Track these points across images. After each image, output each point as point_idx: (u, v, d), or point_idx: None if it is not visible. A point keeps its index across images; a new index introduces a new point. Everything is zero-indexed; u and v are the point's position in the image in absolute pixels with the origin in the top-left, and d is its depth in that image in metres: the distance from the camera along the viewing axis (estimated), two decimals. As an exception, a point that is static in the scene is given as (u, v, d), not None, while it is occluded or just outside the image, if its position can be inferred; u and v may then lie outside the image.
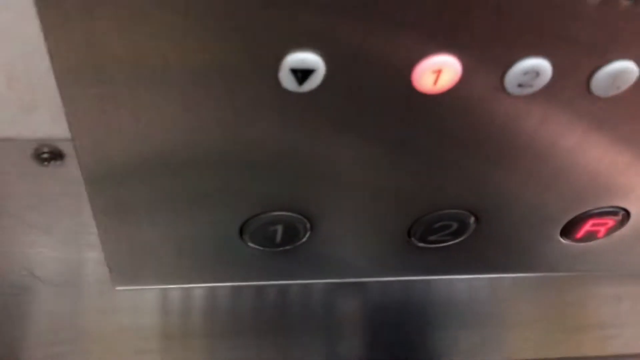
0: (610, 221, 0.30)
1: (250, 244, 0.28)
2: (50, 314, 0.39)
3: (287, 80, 0.20)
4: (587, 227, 0.30)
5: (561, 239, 0.31)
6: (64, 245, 0.32)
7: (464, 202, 0.27)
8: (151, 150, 0.23)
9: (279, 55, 0.19)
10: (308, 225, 0.28)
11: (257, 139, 0.22)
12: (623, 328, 0.43)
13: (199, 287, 0.34)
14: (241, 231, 0.27)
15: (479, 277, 0.33)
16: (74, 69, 0.19)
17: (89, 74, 0.19)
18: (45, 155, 0.27)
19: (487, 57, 0.20)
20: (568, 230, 0.30)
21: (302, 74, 0.20)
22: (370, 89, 0.21)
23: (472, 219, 0.28)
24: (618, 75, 0.21)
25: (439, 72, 0.20)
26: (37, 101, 0.24)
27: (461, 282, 0.36)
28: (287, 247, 0.29)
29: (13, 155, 0.26)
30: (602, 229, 0.31)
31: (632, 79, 0.22)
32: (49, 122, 0.25)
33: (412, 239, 0.29)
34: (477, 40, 0.20)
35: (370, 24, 0.19)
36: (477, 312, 0.40)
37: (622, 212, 0.30)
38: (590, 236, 0.31)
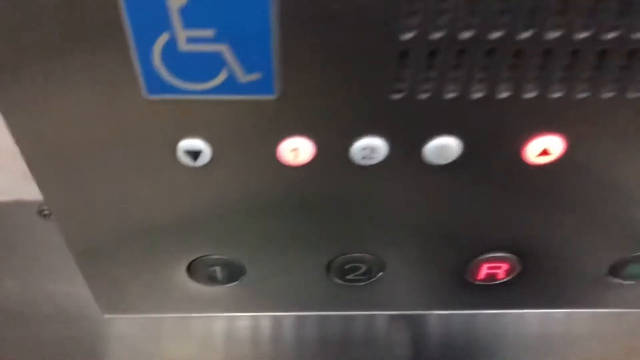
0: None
1: (195, 282, 0.35)
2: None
3: (185, 158, 0.27)
4: (485, 270, 0.35)
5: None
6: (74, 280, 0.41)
7: (367, 248, 0.33)
8: (112, 212, 0.31)
9: (176, 141, 0.27)
10: (243, 267, 0.35)
11: (181, 202, 0.30)
12: None
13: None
14: (189, 269, 0.35)
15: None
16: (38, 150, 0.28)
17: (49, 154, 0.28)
18: (47, 212, 0.36)
19: (331, 137, 0.27)
20: (468, 272, 0.35)
21: (194, 154, 0.27)
22: (249, 163, 0.28)
23: (377, 263, 0.34)
24: (443, 148, 0.27)
25: (296, 150, 0.27)
26: (37, 172, 0.33)
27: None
28: (229, 284, 0.36)
29: (22, 213, 0.35)
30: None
31: (456, 150, 0.27)
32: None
33: (330, 276, 0.35)
34: (321, 125, 0.26)
35: (238, 114, 0.26)
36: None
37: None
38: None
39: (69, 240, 0.32)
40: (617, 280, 0.36)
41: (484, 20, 0.22)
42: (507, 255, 0.34)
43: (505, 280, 0.36)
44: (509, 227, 0.32)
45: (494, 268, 0.35)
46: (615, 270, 0.35)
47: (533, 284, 0.37)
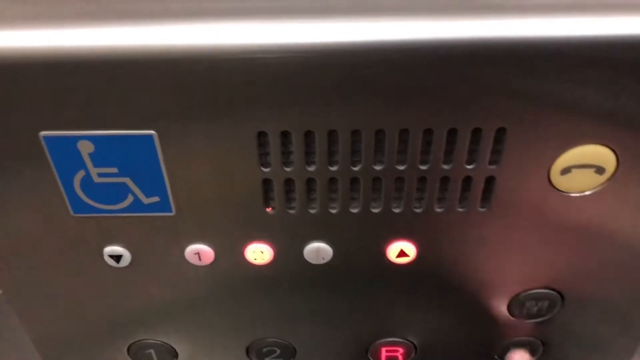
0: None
1: (134, 362, 0.41)
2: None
3: (110, 261, 0.34)
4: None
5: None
6: None
7: (281, 334, 0.39)
8: (58, 304, 0.37)
9: (101, 247, 0.33)
10: (173, 351, 0.40)
11: (111, 295, 0.36)
12: None
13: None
14: (129, 351, 0.41)
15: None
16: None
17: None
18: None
19: (225, 243, 0.33)
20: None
21: (116, 257, 0.34)
22: (163, 264, 0.34)
23: (288, 348, 0.40)
24: (318, 251, 0.33)
25: (198, 254, 0.34)
26: None
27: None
28: (165, 365, 0.41)
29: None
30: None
31: (329, 253, 0.33)
32: None
33: (250, 358, 0.41)
34: (215, 235, 0.33)
35: (147, 227, 0.33)
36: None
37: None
38: (392, 360, 0.40)
39: (25, 327, 0.39)
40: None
41: (320, 159, 0.29)
42: (400, 339, 0.39)
43: (406, 362, 0.41)
44: (392, 316, 0.37)
45: (392, 351, 0.40)
46: (503, 355, 0.40)
47: (432, 366, 0.41)
